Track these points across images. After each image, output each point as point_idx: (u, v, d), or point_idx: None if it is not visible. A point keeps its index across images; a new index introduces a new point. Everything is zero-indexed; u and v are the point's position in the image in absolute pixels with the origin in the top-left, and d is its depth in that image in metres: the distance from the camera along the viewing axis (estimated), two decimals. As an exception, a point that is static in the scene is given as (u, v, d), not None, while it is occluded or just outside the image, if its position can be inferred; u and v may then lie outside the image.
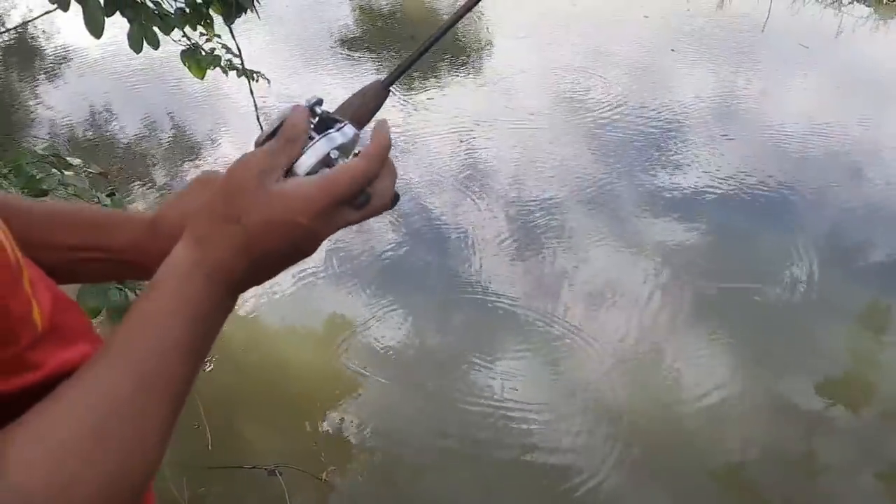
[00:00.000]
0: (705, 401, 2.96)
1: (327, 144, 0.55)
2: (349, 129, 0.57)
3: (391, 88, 0.64)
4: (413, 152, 4.71)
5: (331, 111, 0.59)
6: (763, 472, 2.71)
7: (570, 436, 2.83)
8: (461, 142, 4.87)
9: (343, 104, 0.63)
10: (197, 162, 4.80)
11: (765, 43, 6.57)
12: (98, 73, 6.04)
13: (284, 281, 3.51)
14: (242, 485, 2.63)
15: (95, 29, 1.89)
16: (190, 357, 0.51)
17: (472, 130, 5.02)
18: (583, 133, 5.03)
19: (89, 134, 5.24)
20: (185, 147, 5.03)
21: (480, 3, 0.68)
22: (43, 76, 6.18)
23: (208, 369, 3.04)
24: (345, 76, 5.97)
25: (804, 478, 2.74)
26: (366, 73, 6.10)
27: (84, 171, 1.88)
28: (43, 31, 6.91)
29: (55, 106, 5.58)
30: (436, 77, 5.93)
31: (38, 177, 1.65)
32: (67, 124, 5.31)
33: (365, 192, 0.55)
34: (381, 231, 3.92)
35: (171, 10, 2.20)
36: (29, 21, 6.78)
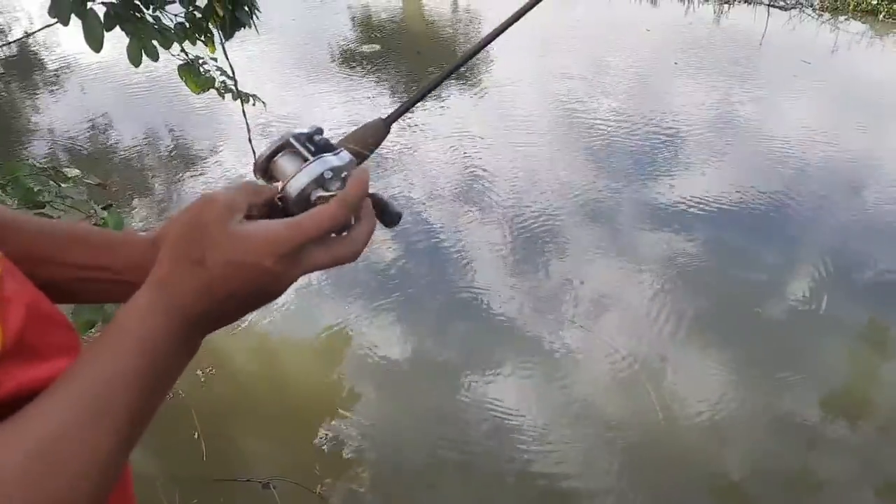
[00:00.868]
0: (704, 416, 2.96)
1: (321, 165, 0.56)
2: (345, 155, 0.58)
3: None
4: (410, 165, 4.73)
5: (333, 141, 0.61)
6: (763, 487, 2.70)
7: (567, 451, 2.82)
8: (462, 154, 4.89)
9: (344, 137, 0.64)
10: (196, 174, 4.81)
11: (762, 58, 6.61)
12: (98, 85, 6.07)
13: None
14: (236, 498, 2.62)
15: (95, 43, 1.91)
16: (140, 391, 0.51)
17: (470, 142, 5.04)
18: (583, 145, 5.06)
19: (88, 145, 5.25)
20: (184, 159, 5.05)
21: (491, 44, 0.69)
22: (43, 88, 6.21)
23: (202, 381, 3.04)
24: (347, 94, 6.00)
25: (804, 493, 2.74)
26: (367, 89, 6.13)
27: (82, 183, 1.89)
28: (44, 44, 6.95)
29: (55, 117, 5.61)
30: (435, 90, 5.95)
31: (35, 189, 1.66)
32: (67, 136, 5.33)
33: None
34: (378, 244, 3.93)
35: (171, 25, 2.22)
36: (30, 34, 6.82)
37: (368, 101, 5.84)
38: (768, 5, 8.03)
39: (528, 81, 6.15)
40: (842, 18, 7.70)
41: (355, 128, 0.66)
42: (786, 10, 7.97)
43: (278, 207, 0.57)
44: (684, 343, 3.33)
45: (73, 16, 1.95)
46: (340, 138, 0.65)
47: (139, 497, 0.64)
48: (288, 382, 3.16)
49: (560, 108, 5.63)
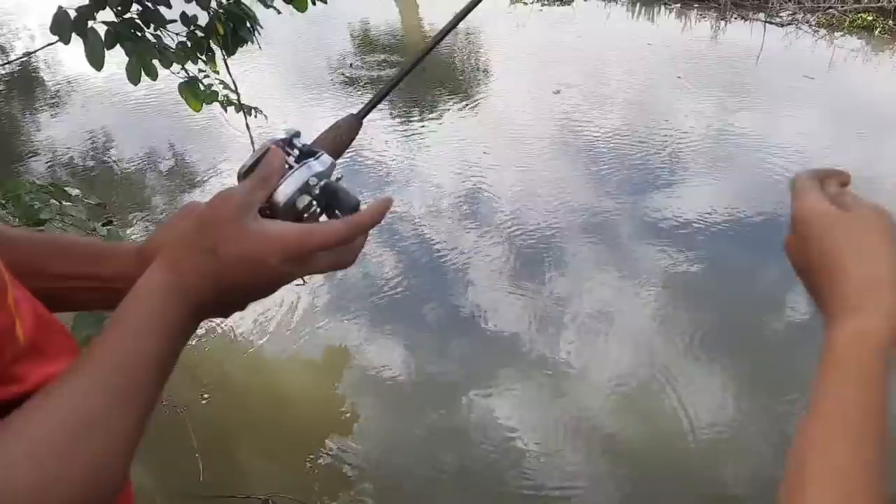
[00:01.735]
0: (707, 432, 2.94)
1: (306, 172, 0.58)
2: (326, 159, 0.60)
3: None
4: (409, 182, 4.74)
5: (309, 143, 0.63)
6: None
7: (568, 468, 2.80)
8: (462, 169, 4.90)
9: (320, 136, 0.67)
10: (196, 191, 4.82)
11: (759, 74, 6.65)
12: (99, 103, 6.10)
13: (279, 311, 3.51)
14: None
15: (96, 61, 1.92)
16: (157, 373, 0.53)
17: (473, 155, 5.06)
18: (583, 161, 5.07)
19: (89, 163, 5.27)
20: (185, 177, 5.06)
21: (451, 33, 0.72)
22: (44, 106, 6.24)
23: (204, 398, 3.03)
24: (346, 109, 6.01)
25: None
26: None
27: (83, 202, 1.89)
28: (45, 62, 6.99)
29: (56, 136, 5.63)
30: (433, 106, 5.99)
31: (36, 206, 1.66)
32: (68, 154, 5.35)
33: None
34: (378, 261, 3.93)
35: (172, 44, 2.24)
36: (31, 53, 6.86)
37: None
38: (765, 22, 8.08)
39: (526, 96, 6.18)
40: (838, 34, 7.75)
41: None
42: (782, 26, 8.02)
43: (267, 215, 0.58)
44: (685, 360, 3.32)
45: (74, 34, 1.97)
46: (315, 137, 0.66)
47: (138, 514, 0.64)
48: (287, 399, 3.15)
49: (558, 122, 5.65)
